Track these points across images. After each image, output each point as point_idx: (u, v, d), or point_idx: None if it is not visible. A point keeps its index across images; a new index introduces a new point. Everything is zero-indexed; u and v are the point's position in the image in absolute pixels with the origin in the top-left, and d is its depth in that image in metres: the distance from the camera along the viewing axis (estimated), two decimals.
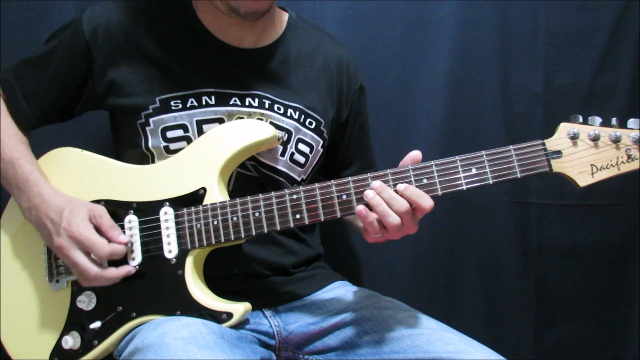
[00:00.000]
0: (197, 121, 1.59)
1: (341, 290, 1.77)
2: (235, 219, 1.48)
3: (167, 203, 1.52)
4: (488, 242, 2.32)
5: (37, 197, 1.52)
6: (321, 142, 1.74)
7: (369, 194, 1.41)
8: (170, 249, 1.50)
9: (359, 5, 2.24)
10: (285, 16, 1.80)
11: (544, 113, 2.27)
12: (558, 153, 1.40)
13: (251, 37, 1.68)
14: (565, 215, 2.32)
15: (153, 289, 1.50)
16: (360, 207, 1.41)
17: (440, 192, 1.42)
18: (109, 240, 1.47)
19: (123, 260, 1.50)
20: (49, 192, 1.53)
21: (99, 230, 1.48)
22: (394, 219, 1.39)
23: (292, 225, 1.46)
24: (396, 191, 1.41)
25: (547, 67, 2.28)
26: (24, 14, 2.06)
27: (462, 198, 2.27)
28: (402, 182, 1.42)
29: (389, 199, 1.39)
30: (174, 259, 1.50)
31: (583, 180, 1.39)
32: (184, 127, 1.59)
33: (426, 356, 1.46)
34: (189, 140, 1.59)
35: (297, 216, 1.45)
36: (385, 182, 1.42)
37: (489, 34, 2.26)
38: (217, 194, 1.50)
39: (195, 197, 1.51)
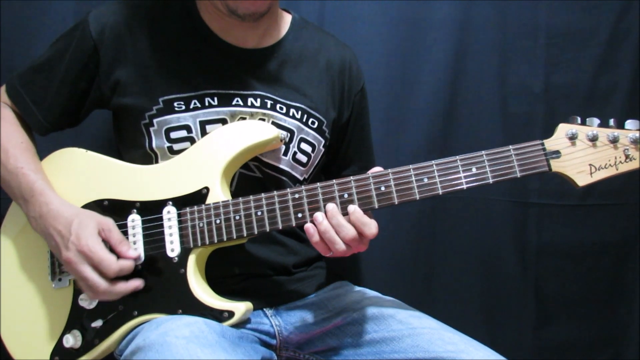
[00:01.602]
0: (200, 122, 1.60)
1: (342, 290, 1.77)
2: (237, 217, 1.48)
3: (170, 202, 1.53)
4: (488, 242, 2.32)
5: (44, 207, 1.51)
6: (323, 141, 1.74)
7: (318, 217, 1.43)
8: (173, 248, 1.50)
9: (359, 5, 2.24)
10: (288, 18, 1.80)
11: (544, 113, 2.27)
12: (557, 153, 1.40)
13: (253, 38, 1.69)
14: (565, 215, 2.32)
15: (155, 287, 1.50)
16: (308, 225, 1.43)
17: (440, 192, 1.42)
18: (118, 255, 1.47)
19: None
20: (56, 201, 1.52)
21: (107, 244, 1.48)
22: (340, 246, 1.41)
23: (294, 224, 1.46)
24: (346, 213, 1.43)
25: (547, 67, 2.28)
26: (24, 14, 2.06)
27: (462, 198, 2.27)
28: (353, 205, 1.44)
29: (337, 226, 1.41)
30: (176, 258, 1.50)
31: (582, 179, 1.40)
32: (187, 128, 1.59)
33: (427, 356, 1.47)
34: (192, 140, 1.59)
35: (299, 215, 1.46)
36: (385, 181, 1.44)
37: (489, 33, 2.27)
38: (219, 194, 1.51)
39: (198, 197, 1.52)
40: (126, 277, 1.47)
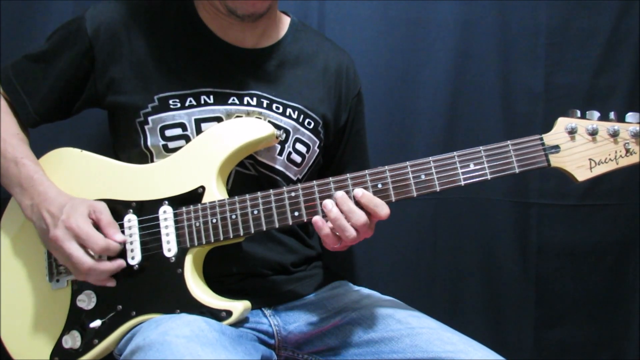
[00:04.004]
0: (195, 120, 1.59)
1: (341, 289, 1.77)
2: (234, 217, 1.48)
3: (166, 202, 1.52)
4: (488, 242, 2.32)
5: (42, 195, 1.52)
6: (318, 142, 1.74)
7: (327, 204, 1.42)
8: (170, 248, 1.50)
9: (359, 5, 2.24)
10: (287, 20, 1.81)
11: (544, 113, 2.27)
12: (556, 148, 1.40)
13: (252, 38, 1.69)
14: (565, 215, 2.31)
15: (153, 287, 1.50)
16: (317, 218, 1.43)
17: (438, 188, 1.42)
18: (106, 236, 1.48)
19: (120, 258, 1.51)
20: (54, 191, 1.53)
21: (97, 226, 1.48)
22: (350, 233, 1.41)
23: (290, 222, 1.46)
24: (354, 196, 1.42)
25: (547, 67, 2.28)
26: (23, 14, 2.06)
27: (462, 198, 2.28)
28: (360, 187, 1.44)
29: (348, 212, 1.41)
30: (173, 258, 1.49)
31: (581, 174, 1.39)
32: (182, 126, 1.59)
33: (425, 356, 1.46)
34: (187, 138, 1.59)
35: (296, 214, 1.46)
36: (382, 178, 1.44)
37: (489, 34, 2.27)
38: (215, 193, 1.50)
39: (194, 196, 1.51)
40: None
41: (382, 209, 1.41)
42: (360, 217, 1.40)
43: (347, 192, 1.43)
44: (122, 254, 1.50)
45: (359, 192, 1.42)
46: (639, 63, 2.28)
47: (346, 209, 1.41)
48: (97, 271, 1.46)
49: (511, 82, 2.30)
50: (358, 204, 1.42)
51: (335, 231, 1.43)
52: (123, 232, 1.52)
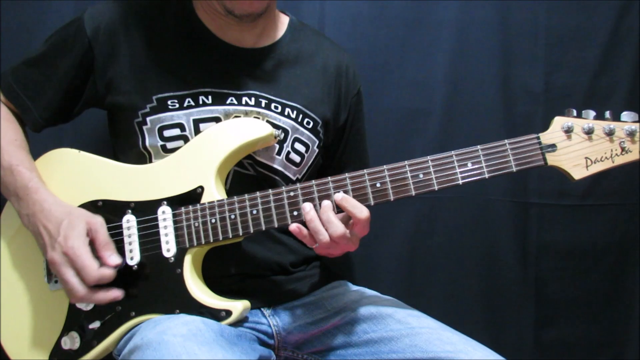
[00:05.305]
0: (194, 120, 1.59)
1: (340, 289, 1.77)
2: (233, 217, 1.48)
3: (165, 202, 1.52)
4: (488, 242, 2.32)
5: (37, 205, 1.50)
6: (317, 142, 1.74)
7: (306, 207, 1.44)
8: (169, 248, 1.50)
9: (359, 5, 2.25)
10: (286, 19, 1.81)
11: (544, 113, 2.27)
12: (553, 146, 1.41)
13: (250, 38, 1.69)
14: (565, 215, 2.32)
15: (152, 288, 1.50)
16: (294, 226, 1.44)
17: (436, 187, 1.43)
18: (101, 259, 1.45)
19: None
20: (49, 200, 1.52)
21: (93, 243, 1.47)
22: (323, 237, 1.41)
23: (289, 222, 1.46)
24: (335, 200, 1.44)
25: (547, 67, 2.28)
26: (23, 14, 2.06)
27: (462, 198, 2.28)
28: (340, 191, 1.46)
29: (326, 221, 1.42)
30: (172, 258, 1.49)
31: (578, 173, 1.40)
32: (180, 126, 1.59)
33: (425, 356, 1.46)
34: (185, 139, 1.59)
35: (295, 213, 1.46)
36: (381, 177, 1.44)
37: (489, 34, 2.27)
38: (214, 193, 1.50)
39: (193, 196, 1.51)
40: (112, 283, 1.47)
41: (360, 211, 1.42)
42: (338, 228, 1.41)
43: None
44: (121, 254, 1.49)
45: (338, 195, 1.44)
46: (639, 63, 2.28)
47: (325, 218, 1.42)
48: (89, 301, 1.45)
49: (511, 82, 2.29)
50: (338, 206, 1.43)
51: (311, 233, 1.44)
52: (121, 232, 1.52)
